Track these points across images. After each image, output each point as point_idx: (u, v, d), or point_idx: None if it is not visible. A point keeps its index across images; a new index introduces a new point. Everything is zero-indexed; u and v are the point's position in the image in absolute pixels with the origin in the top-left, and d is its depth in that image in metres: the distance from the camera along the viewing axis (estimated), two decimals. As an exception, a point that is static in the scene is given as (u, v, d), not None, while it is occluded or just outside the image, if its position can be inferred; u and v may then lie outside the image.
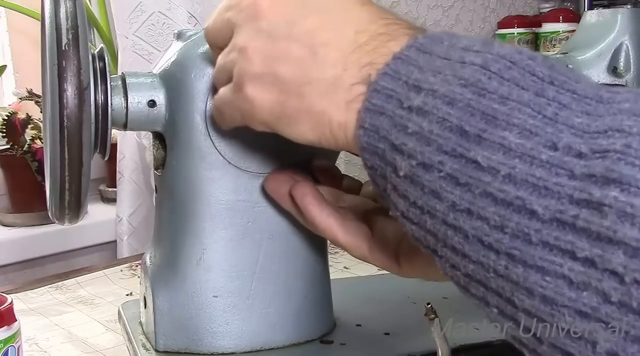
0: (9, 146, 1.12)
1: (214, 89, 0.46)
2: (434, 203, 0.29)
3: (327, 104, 0.35)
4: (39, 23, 0.48)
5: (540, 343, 0.26)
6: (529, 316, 0.26)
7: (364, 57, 0.35)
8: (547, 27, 1.64)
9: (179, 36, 0.51)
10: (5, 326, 0.49)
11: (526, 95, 0.28)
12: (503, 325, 0.28)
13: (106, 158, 0.50)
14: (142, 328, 0.55)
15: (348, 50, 0.35)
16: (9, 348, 0.49)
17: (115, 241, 1.20)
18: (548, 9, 1.75)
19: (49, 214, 0.48)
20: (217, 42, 0.43)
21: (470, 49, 0.31)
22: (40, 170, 1.09)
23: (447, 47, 0.32)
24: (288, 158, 0.49)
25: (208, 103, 0.48)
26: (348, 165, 1.19)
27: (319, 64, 0.36)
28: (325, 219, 0.43)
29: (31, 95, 1.16)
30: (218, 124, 0.47)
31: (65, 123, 0.42)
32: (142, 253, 0.57)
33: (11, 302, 0.50)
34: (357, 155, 0.48)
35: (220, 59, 0.42)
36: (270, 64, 0.37)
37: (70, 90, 0.42)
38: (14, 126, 1.11)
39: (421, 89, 0.30)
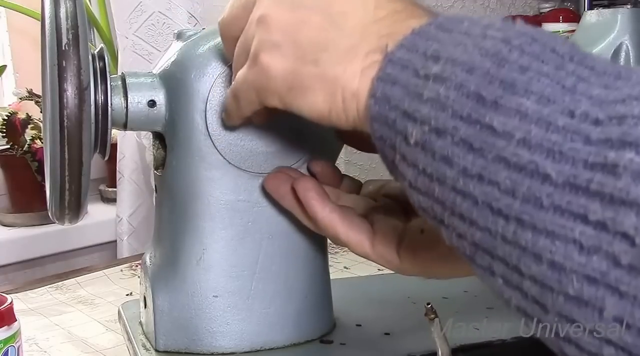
0: (9, 146, 1.12)
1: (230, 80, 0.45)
2: (444, 169, 0.29)
3: (342, 71, 0.35)
4: (39, 23, 0.48)
5: (545, 312, 0.26)
6: (535, 283, 0.26)
7: (383, 29, 0.35)
8: (547, 27, 1.64)
9: (179, 36, 0.51)
10: (5, 326, 0.49)
11: (546, 67, 0.28)
12: (508, 296, 0.28)
13: (106, 158, 0.50)
14: (142, 328, 0.55)
15: (367, 21, 0.36)
16: (9, 348, 0.49)
17: (115, 241, 1.20)
18: (548, 9, 1.75)
19: (49, 214, 0.48)
20: (234, 30, 0.42)
21: (491, 27, 0.31)
22: (40, 170, 1.09)
23: (468, 25, 0.32)
24: (288, 158, 0.49)
25: (208, 103, 0.48)
26: (348, 165, 1.19)
27: (337, 31, 0.36)
28: (327, 215, 0.43)
29: (31, 95, 1.16)
30: (231, 117, 0.46)
31: (65, 123, 0.42)
32: (142, 253, 0.57)
33: (11, 302, 0.50)
34: (358, 147, 0.48)
35: (240, 41, 0.42)
36: (289, 32, 0.37)
37: (70, 90, 0.42)
38: (14, 126, 1.11)
39: (440, 58, 0.31)
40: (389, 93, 0.32)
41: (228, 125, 0.48)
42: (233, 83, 0.43)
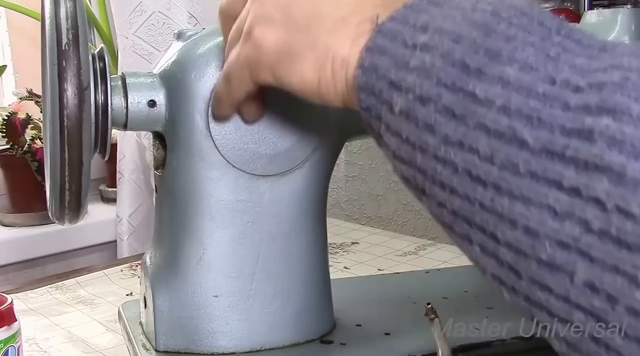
0: (9, 146, 1.12)
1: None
2: (426, 137, 0.29)
3: (333, 39, 0.36)
4: (39, 23, 0.48)
5: (519, 278, 0.26)
6: (510, 250, 0.26)
7: (378, 2, 0.35)
8: (547, 27, 1.64)
9: (179, 36, 0.51)
10: (5, 326, 0.49)
11: (531, 38, 0.28)
12: (484, 264, 0.28)
13: (106, 158, 0.50)
14: (142, 328, 0.55)
15: None
16: (9, 348, 0.49)
17: (115, 241, 1.20)
18: (548, 9, 1.75)
19: (49, 214, 0.48)
20: (232, 13, 0.43)
21: (482, 1, 0.31)
22: (40, 170, 1.09)
23: (459, 0, 0.32)
24: (291, 159, 0.49)
25: (209, 103, 0.48)
26: (348, 165, 1.19)
27: (331, 3, 0.36)
28: None
29: (31, 95, 1.16)
30: (222, 104, 0.46)
31: (65, 123, 0.42)
32: (142, 253, 0.57)
33: (11, 302, 0.50)
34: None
35: (235, 23, 0.42)
36: (283, 6, 0.38)
37: (70, 90, 0.42)
38: (14, 126, 1.11)
39: (428, 29, 0.31)
40: (377, 63, 0.33)
41: (217, 115, 0.47)
42: (225, 64, 0.43)
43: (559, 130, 0.25)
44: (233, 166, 0.49)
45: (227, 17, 0.44)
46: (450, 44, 0.29)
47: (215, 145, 0.48)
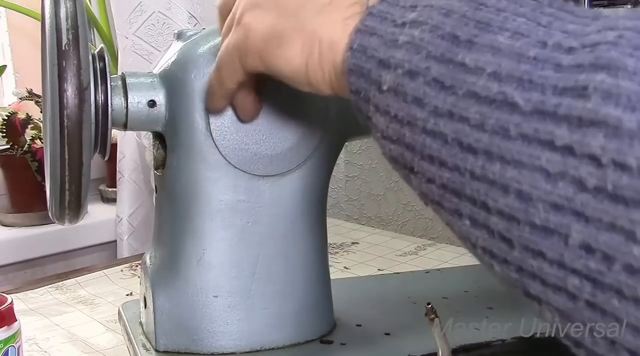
0: (9, 146, 1.12)
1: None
2: (415, 111, 0.29)
3: (321, 22, 0.36)
4: (39, 23, 0.48)
5: (511, 247, 0.26)
6: (502, 217, 0.26)
7: None
8: (547, 27, 1.64)
9: (179, 36, 0.51)
10: (5, 326, 0.49)
11: (522, 10, 0.28)
12: (474, 238, 0.28)
13: (106, 158, 0.50)
14: (142, 328, 0.55)
15: None
16: (9, 348, 0.49)
17: (115, 241, 1.20)
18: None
19: (49, 214, 0.48)
20: (229, 7, 0.43)
21: None
22: (40, 170, 1.09)
23: None
24: (292, 159, 0.49)
25: (208, 103, 0.48)
26: (348, 165, 1.19)
27: None
28: None
29: (31, 95, 1.16)
30: (214, 95, 0.46)
31: (65, 123, 0.42)
32: (142, 253, 0.57)
33: (11, 302, 0.50)
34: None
35: (230, 13, 0.42)
36: None
37: (70, 90, 0.42)
38: (14, 126, 1.11)
39: (417, 6, 0.31)
40: (366, 44, 0.32)
41: (210, 107, 0.47)
42: (218, 55, 0.43)
43: (550, 90, 0.24)
44: (234, 166, 0.49)
45: (224, 15, 0.44)
46: (440, 18, 0.29)
47: (216, 146, 0.48)
